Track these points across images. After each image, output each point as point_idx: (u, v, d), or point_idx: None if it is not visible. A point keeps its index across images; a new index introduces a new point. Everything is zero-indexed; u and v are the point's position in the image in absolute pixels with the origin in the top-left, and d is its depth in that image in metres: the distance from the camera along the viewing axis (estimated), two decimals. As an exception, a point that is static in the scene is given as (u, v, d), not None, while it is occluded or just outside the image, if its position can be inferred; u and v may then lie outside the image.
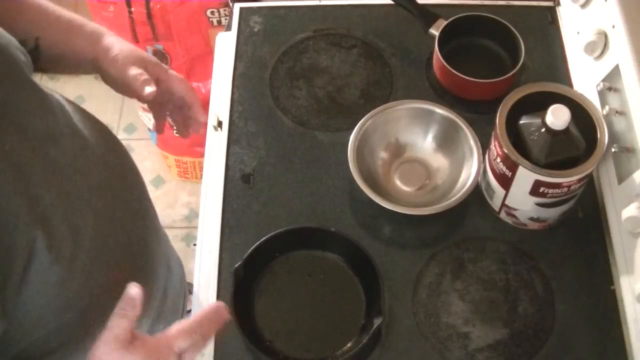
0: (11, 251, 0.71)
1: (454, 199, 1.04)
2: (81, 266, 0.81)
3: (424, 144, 1.13)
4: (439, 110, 1.11)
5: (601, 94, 1.04)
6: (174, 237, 2.06)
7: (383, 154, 1.12)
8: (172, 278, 1.10)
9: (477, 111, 1.16)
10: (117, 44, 0.97)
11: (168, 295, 1.08)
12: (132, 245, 0.94)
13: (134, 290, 0.77)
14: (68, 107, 0.90)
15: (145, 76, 0.95)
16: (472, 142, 1.07)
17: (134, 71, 0.95)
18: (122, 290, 0.80)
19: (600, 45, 1.06)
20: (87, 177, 0.86)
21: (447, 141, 1.11)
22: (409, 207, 1.04)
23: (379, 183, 1.10)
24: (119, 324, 0.77)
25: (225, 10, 1.70)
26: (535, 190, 0.97)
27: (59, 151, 0.82)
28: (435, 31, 1.18)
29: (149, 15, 1.67)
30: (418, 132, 1.13)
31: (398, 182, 1.11)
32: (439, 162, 1.12)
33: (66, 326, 0.83)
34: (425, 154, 1.13)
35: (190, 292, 1.15)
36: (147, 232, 0.99)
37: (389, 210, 1.03)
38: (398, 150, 1.13)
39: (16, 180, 0.73)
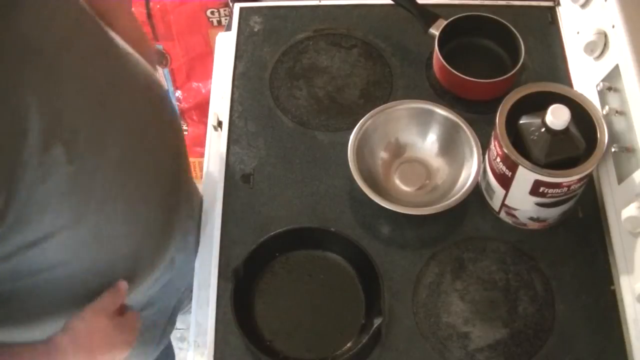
0: (24, 159, 0.73)
1: (453, 199, 1.04)
2: (100, 188, 0.84)
3: (424, 144, 1.13)
4: (439, 110, 1.11)
5: (601, 94, 1.04)
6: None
7: (383, 154, 1.12)
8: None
9: (477, 111, 1.16)
10: None
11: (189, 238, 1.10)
12: (159, 177, 0.97)
13: (123, 284, 0.91)
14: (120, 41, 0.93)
15: None
16: (472, 142, 1.07)
17: None
18: (135, 224, 0.90)
19: (600, 45, 1.06)
20: (122, 100, 0.89)
21: (447, 141, 1.11)
22: (409, 207, 1.04)
23: (379, 183, 1.10)
24: (108, 301, 0.89)
25: (225, 10, 1.70)
26: (535, 190, 0.97)
27: (97, 71, 0.85)
28: (435, 31, 1.18)
29: (149, 15, 1.68)
30: (418, 132, 1.13)
31: (398, 182, 1.11)
32: (439, 162, 1.12)
33: (74, 242, 0.84)
34: (425, 154, 1.13)
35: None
36: (178, 172, 1.03)
37: (389, 210, 1.03)
38: (398, 150, 1.13)
39: (44, 95, 0.76)
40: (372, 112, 1.11)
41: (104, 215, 0.86)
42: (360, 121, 1.10)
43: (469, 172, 1.06)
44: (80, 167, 0.80)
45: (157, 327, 1.19)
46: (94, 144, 0.82)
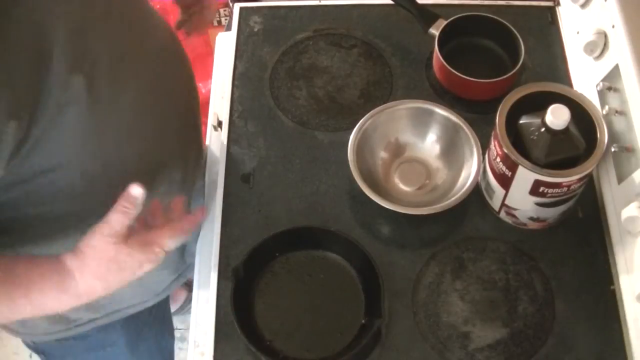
0: (46, 89, 0.77)
1: (453, 198, 1.04)
2: (116, 124, 0.87)
3: (424, 143, 1.13)
4: (439, 110, 1.11)
5: (601, 94, 1.04)
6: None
7: (383, 154, 1.12)
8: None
9: (477, 111, 1.16)
10: None
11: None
12: (171, 122, 0.99)
13: (136, 190, 0.83)
14: None
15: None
16: (472, 142, 1.07)
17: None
18: (148, 167, 0.91)
19: (600, 45, 1.06)
20: (145, 45, 0.92)
21: (447, 141, 1.11)
22: (409, 207, 1.04)
23: (379, 183, 1.10)
24: (118, 219, 0.83)
25: (225, 10, 1.70)
26: (535, 190, 0.97)
27: (125, 8, 0.89)
28: (435, 31, 1.18)
29: (149, 15, 1.68)
30: (418, 132, 1.13)
31: (398, 182, 1.11)
32: (439, 162, 1.12)
33: (87, 174, 0.87)
34: (425, 154, 1.13)
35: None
36: (193, 116, 1.07)
37: (389, 210, 1.03)
38: (398, 150, 1.13)
39: (73, 31, 0.79)
40: (372, 112, 1.11)
41: (118, 149, 0.89)
42: (360, 121, 1.10)
43: (469, 172, 1.06)
44: (98, 100, 0.83)
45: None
46: (113, 80, 0.85)
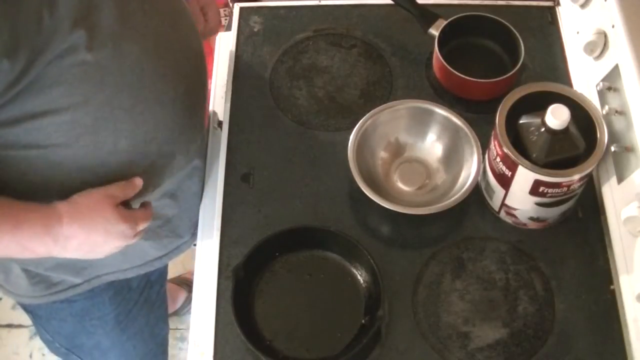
0: (49, 34, 0.78)
1: (453, 198, 1.04)
2: (113, 83, 0.88)
3: (423, 143, 1.13)
4: (439, 110, 1.11)
5: (601, 94, 1.04)
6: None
7: (383, 154, 1.12)
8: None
9: (477, 111, 1.16)
10: None
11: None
12: (178, 83, 0.99)
13: (139, 181, 0.95)
14: None
15: None
16: (472, 142, 1.07)
17: None
18: (141, 130, 0.93)
19: (600, 45, 1.06)
20: (152, 8, 0.92)
21: (447, 141, 1.11)
22: (409, 207, 1.04)
23: (379, 183, 1.10)
24: (118, 189, 0.93)
25: (225, 10, 1.70)
26: (535, 189, 0.97)
27: None
28: (435, 31, 1.18)
29: (149, 16, 1.67)
30: (418, 132, 1.13)
31: (398, 182, 1.11)
32: (439, 162, 1.12)
33: (77, 126, 0.88)
34: (425, 153, 1.13)
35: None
36: (198, 82, 1.07)
37: (389, 210, 1.03)
38: (398, 150, 1.13)
39: None
40: (372, 112, 1.11)
41: (112, 108, 0.90)
42: (360, 121, 1.10)
43: (469, 172, 1.06)
44: (96, 58, 0.84)
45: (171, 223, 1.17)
46: (115, 39, 0.87)
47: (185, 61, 1.01)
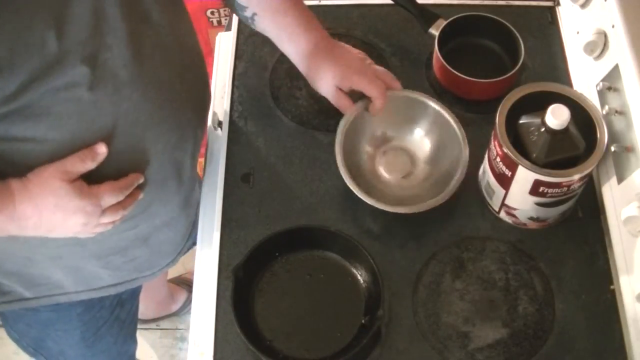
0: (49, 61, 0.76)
1: (441, 195, 1.02)
2: (110, 120, 0.87)
3: (410, 134, 1.12)
4: (426, 101, 1.09)
5: (601, 94, 1.04)
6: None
7: (369, 147, 1.11)
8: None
9: (477, 111, 1.16)
10: None
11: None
12: (168, 143, 0.97)
13: (102, 148, 0.86)
14: None
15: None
16: (457, 132, 1.06)
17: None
18: (139, 157, 0.92)
19: (600, 45, 1.06)
20: (164, 61, 0.90)
21: (434, 134, 1.10)
22: (397, 206, 1.03)
23: (367, 178, 1.09)
24: (74, 163, 0.85)
25: (225, 10, 1.70)
26: (535, 189, 0.97)
27: (145, 25, 0.88)
28: (435, 31, 1.18)
29: (149, 16, 1.67)
30: (404, 123, 1.11)
31: (382, 171, 1.10)
32: (426, 153, 1.11)
33: (57, 155, 0.86)
34: (411, 144, 1.12)
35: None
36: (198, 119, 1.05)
37: (389, 210, 1.03)
38: (385, 142, 1.12)
39: (95, 27, 0.79)
40: (357, 105, 1.09)
41: (105, 139, 0.88)
42: (345, 116, 1.09)
43: (457, 164, 1.05)
44: (94, 98, 0.82)
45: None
46: (116, 83, 0.84)
47: (187, 112, 0.99)
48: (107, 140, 0.87)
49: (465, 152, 1.05)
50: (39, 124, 0.81)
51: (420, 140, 1.12)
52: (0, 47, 0.72)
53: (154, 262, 1.16)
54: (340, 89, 1.07)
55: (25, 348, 1.26)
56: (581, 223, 1.07)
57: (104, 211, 0.91)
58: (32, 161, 0.85)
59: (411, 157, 1.12)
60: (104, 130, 0.87)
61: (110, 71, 0.83)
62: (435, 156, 1.11)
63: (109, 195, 0.90)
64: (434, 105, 1.10)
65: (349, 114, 1.08)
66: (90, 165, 0.87)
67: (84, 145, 0.86)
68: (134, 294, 1.29)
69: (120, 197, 0.92)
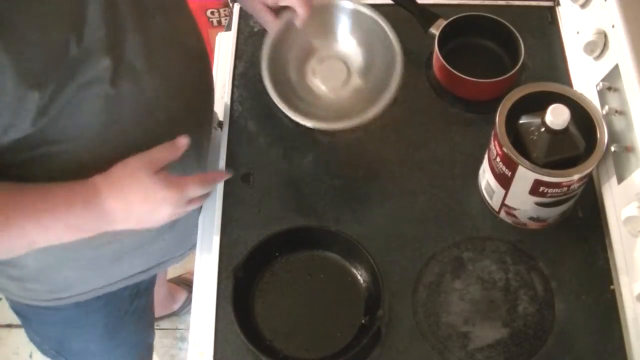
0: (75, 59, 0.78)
1: (378, 106, 1.00)
2: (130, 112, 0.89)
3: (342, 44, 1.09)
4: (359, 8, 1.07)
5: (601, 94, 1.04)
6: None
7: (300, 61, 1.09)
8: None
9: (477, 111, 1.16)
10: None
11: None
12: (188, 117, 1.00)
13: (184, 140, 0.91)
14: None
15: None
16: (392, 41, 1.04)
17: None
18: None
19: (599, 45, 1.06)
20: (173, 50, 0.93)
21: (366, 39, 1.08)
22: (327, 122, 1.00)
23: (300, 95, 1.05)
24: (157, 153, 0.89)
25: (225, 10, 1.70)
26: (535, 189, 0.97)
27: (157, 19, 0.90)
28: (435, 31, 1.18)
29: (149, 16, 1.67)
30: (334, 33, 1.09)
31: (318, 83, 1.07)
32: (360, 63, 1.08)
33: (91, 156, 0.89)
34: (345, 54, 1.09)
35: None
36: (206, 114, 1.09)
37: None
38: (316, 53, 1.10)
39: (109, 17, 0.81)
40: (281, 17, 1.06)
41: (126, 143, 0.90)
42: (270, 31, 1.06)
43: (392, 73, 1.03)
44: (117, 91, 0.85)
45: None
46: (135, 74, 0.87)
47: (197, 100, 1.03)
48: (131, 131, 0.90)
49: (399, 61, 1.02)
50: (69, 126, 0.83)
51: (354, 50, 1.07)
52: (35, 64, 0.74)
53: (182, 243, 1.17)
54: (265, 4, 1.05)
55: (47, 352, 1.25)
56: (581, 223, 1.07)
57: (189, 201, 0.92)
58: (65, 162, 0.87)
59: (346, 66, 1.07)
60: (127, 123, 0.89)
61: (129, 63, 0.85)
62: (370, 66, 1.07)
63: (195, 188, 0.92)
64: (367, 12, 1.06)
65: (274, 28, 1.06)
66: (174, 156, 0.90)
67: (113, 139, 0.88)
68: (151, 283, 1.30)
69: (206, 190, 0.94)
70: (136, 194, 0.87)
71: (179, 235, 1.14)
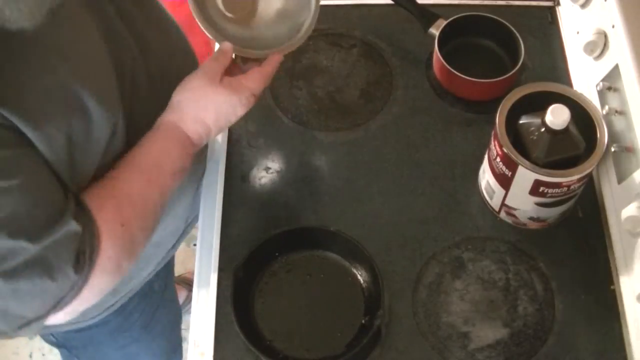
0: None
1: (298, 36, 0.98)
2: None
3: None
4: None
5: (601, 94, 1.04)
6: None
7: None
8: None
9: (477, 111, 1.16)
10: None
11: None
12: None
13: (227, 44, 0.94)
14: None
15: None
16: None
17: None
18: None
19: (600, 45, 1.06)
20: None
21: None
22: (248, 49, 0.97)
23: (229, 28, 1.00)
24: (211, 65, 0.92)
25: (225, 10, 1.70)
26: (535, 189, 0.97)
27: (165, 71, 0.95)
28: (435, 31, 1.18)
29: (149, 16, 1.67)
30: None
31: (222, 8, 1.00)
32: None
33: None
34: None
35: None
36: None
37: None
38: None
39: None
40: None
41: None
42: None
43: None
44: (128, 146, 0.88)
45: None
46: (143, 125, 0.90)
47: None
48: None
49: None
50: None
51: None
52: (91, 100, 0.78)
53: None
54: None
55: None
56: (581, 223, 1.07)
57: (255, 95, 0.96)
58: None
59: None
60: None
61: (135, 126, 0.89)
62: None
63: (259, 84, 0.95)
64: None
65: None
66: (226, 60, 0.93)
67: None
68: (171, 274, 1.34)
69: (268, 83, 0.98)
70: (209, 111, 0.91)
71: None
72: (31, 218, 0.73)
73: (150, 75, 0.93)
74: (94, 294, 0.81)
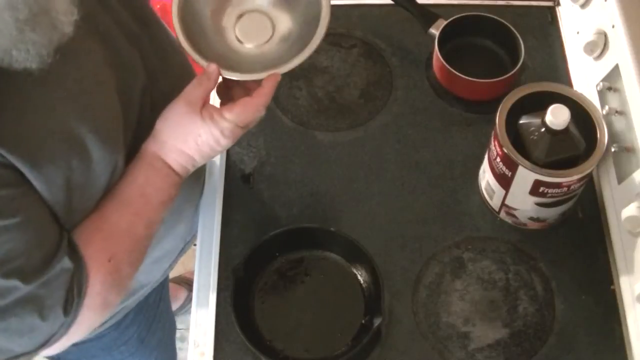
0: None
1: (306, 51, 0.94)
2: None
3: None
4: None
5: (601, 94, 1.04)
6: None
7: (214, 14, 0.98)
8: None
9: (477, 111, 1.16)
10: None
11: None
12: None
13: (212, 66, 0.87)
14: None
15: None
16: None
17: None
18: None
19: (600, 45, 1.06)
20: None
21: None
22: (254, 72, 0.91)
23: (219, 51, 0.95)
24: (192, 91, 0.86)
25: (225, 10, 1.70)
26: (535, 190, 0.97)
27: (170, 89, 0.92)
28: (435, 31, 1.18)
29: (149, 16, 1.67)
30: None
31: (240, 39, 0.97)
32: (279, 10, 0.99)
33: None
34: (263, 6, 0.98)
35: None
36: None
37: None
38: (228, 5, 0.98)
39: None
40: None
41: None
42: None
43: (317, 21, 0.97)
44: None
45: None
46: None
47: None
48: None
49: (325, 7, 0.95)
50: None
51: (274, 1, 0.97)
52: (93, 140, 0.77)
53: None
54: None
55: None
56: (581, 223, 1.07)
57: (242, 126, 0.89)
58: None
59: (269, 18, 0.97)
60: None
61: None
62: (289, 6, 0.98)
63: (245, 116, 0.87)
64: None
65: None
66: (209, 85, 0.87)
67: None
68: (166, 286, 1.32)
69: (261, 112, 0.89)
70: (189, 142, 0.86)
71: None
72: (27, 257, 0.73)
73: (154, 102, 0.90)
74: (82, 331, 0.81)
